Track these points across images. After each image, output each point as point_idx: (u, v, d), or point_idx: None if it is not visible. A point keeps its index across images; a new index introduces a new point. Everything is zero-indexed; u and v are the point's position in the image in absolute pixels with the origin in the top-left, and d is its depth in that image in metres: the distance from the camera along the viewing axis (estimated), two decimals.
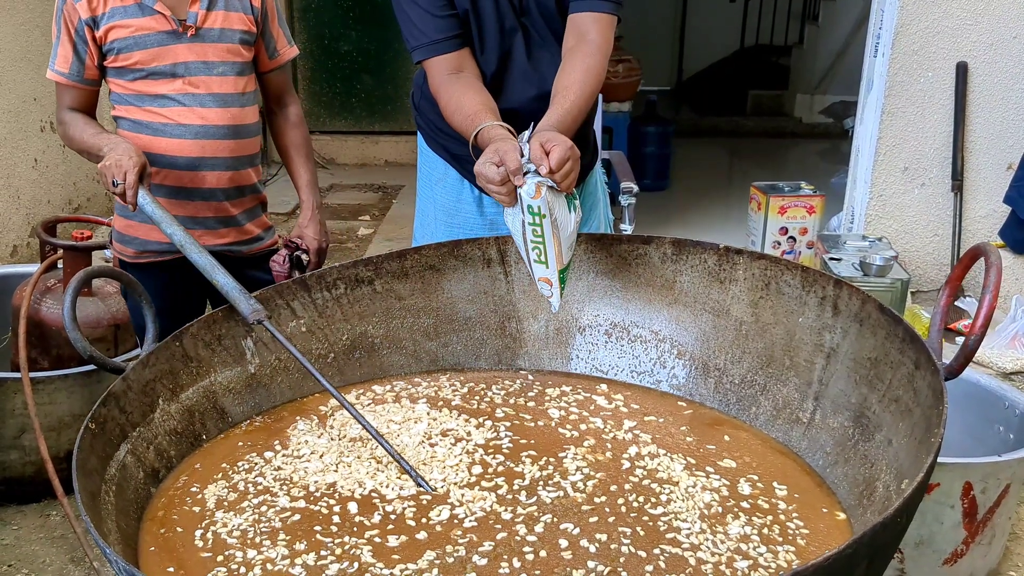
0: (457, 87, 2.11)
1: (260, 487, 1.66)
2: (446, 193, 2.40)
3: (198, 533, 1.54)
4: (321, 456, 1.74)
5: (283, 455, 1.76)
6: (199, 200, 2.37)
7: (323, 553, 1.48)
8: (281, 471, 1.71)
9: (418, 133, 2.44)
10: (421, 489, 1.63)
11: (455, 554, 1.47)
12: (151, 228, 2.33)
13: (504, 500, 1.61)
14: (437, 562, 1.45)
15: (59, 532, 2.80)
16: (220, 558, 1.48)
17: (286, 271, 2.34)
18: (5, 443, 2.86)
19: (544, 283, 1.88)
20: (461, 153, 2.25)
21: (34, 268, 3.11)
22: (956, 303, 4.04)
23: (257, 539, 1.52)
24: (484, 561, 1.45)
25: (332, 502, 1.61)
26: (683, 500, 1.60)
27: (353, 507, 1.60)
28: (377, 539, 1.52)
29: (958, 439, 2.52)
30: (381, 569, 1.44)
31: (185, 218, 2.29)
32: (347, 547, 1.50)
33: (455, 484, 1.65)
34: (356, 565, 1.45)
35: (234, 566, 1.46)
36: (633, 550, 1.47)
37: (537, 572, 1.43)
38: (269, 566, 1.46)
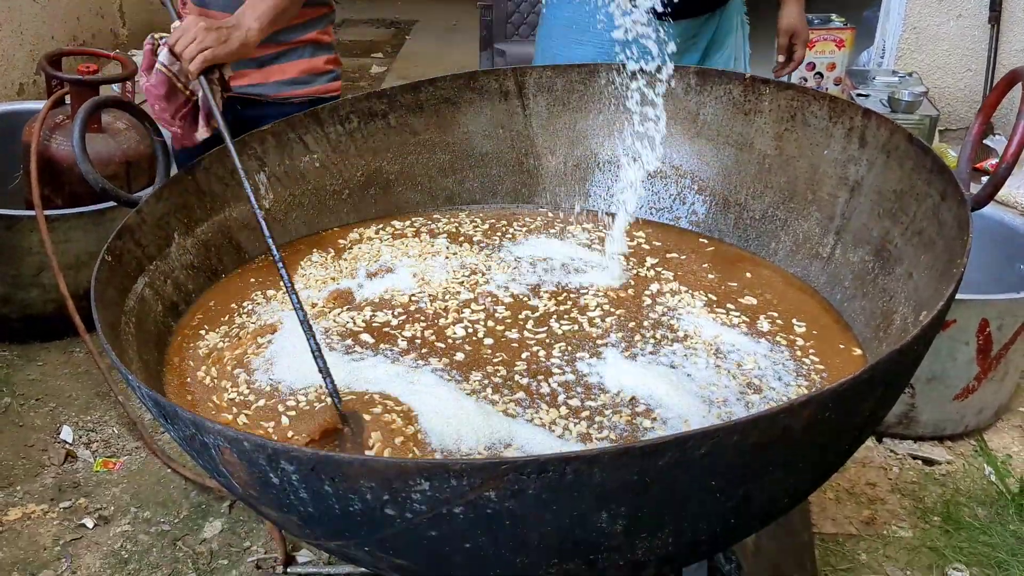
0: None
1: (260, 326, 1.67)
2: (574, 9, 2.34)
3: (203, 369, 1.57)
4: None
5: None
6: None
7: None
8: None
9: None
10: (419, 314, 1.64)
11: (498, 374, 1.50)
12: None
13: (516, 323, 1.63)
14: (486, 381, 1.49)
15: (83, 368, 2.87)
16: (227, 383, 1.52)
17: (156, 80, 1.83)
18: (25, 281, 2.89)
19: None
20: None
21: (42, 105, 3.06)
22: (985, 141, 3.94)
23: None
24: (526, 380, 1.49)
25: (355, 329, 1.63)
26: (700, 338, 1.59)
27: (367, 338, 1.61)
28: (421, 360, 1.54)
29: (977, 277, 2.51)
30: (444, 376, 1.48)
31: None
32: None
33: (454, 297, 1.68)
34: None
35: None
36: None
37: (580, 390, 1.46)
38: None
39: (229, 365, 1.56)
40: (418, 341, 1.59)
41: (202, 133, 1.87)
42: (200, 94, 1.84)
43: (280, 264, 1.51)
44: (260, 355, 1.58)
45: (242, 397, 1.48)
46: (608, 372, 1.50)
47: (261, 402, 1.47)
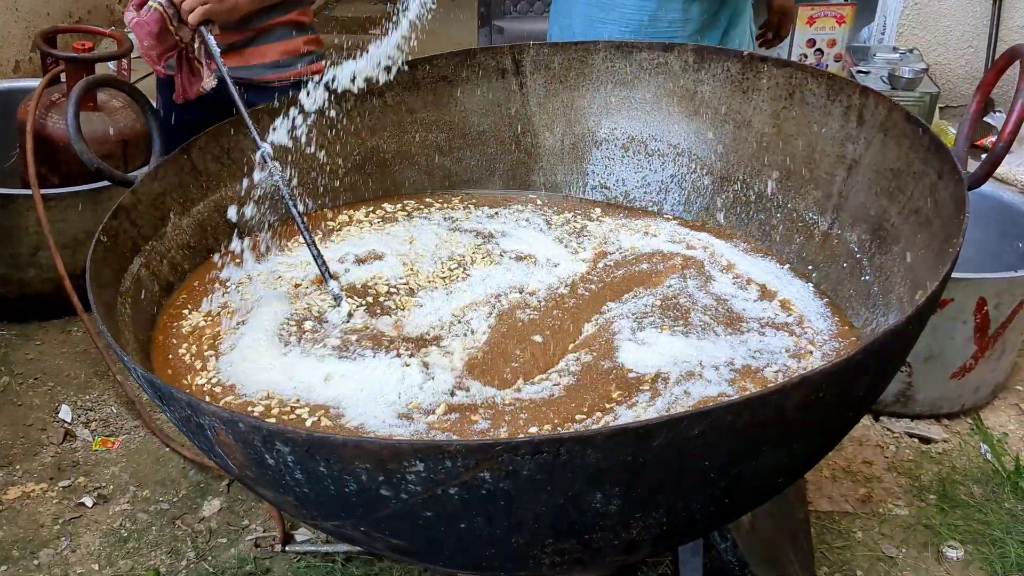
0: None
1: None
2: None
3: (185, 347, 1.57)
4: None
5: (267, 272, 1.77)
6: None
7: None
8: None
9: None
10: (390, 305, 1.63)
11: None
12: None
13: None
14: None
15: (82, 347, 2.87)
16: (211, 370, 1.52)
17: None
18: (22, 261, 2.89)
19: None
20: None
21: (37, 83, 3.04)
22: (985, 119, 3.92)
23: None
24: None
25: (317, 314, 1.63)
26: (702, 312, 1.59)
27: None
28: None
29: (975, 256, 2.50)
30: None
31: None
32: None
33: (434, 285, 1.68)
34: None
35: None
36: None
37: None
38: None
39: (205, 345, 1.56)
40: (383, 337, 1.57)
41: (208, 82, 1.88)
42: (196, 45, 1.84)
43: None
44: (229, 338, 1.58)
45: (210, 386, 1.47)
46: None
47: (230, 398, 1.45)
